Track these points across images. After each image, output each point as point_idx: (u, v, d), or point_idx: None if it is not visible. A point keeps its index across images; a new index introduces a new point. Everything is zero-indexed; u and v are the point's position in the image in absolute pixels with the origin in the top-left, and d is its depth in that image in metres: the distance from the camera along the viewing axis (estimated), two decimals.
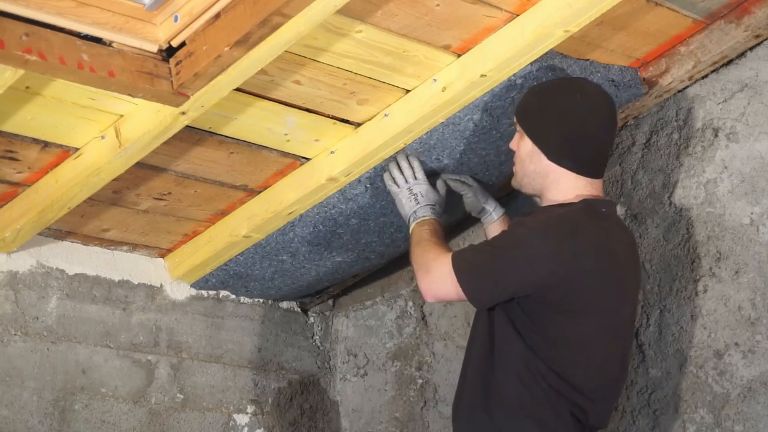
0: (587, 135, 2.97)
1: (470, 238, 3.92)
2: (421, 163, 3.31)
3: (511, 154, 3.41)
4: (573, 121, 2.97)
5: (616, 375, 2.97)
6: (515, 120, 3.07)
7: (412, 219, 3.22)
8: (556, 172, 2.99)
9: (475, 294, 2.91)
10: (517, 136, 3.07)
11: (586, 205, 2.95)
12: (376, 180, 3.44)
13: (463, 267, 2.91)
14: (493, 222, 3.38)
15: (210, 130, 3.24)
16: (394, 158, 3.33)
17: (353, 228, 3.63)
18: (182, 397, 3.81)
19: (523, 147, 3.03)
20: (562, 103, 2.99)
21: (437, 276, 2.94)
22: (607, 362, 2.93)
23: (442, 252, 2.99)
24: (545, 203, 3.02)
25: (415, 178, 3.28)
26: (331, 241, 3.68)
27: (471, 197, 3.38)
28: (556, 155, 2.98)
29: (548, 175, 3.00)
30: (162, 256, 3.84)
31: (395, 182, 3.30)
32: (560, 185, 2.99)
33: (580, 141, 2.97)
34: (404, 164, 3.30)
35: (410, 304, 4.08)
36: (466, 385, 3.03)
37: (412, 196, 3.25)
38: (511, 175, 3.55)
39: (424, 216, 3.20)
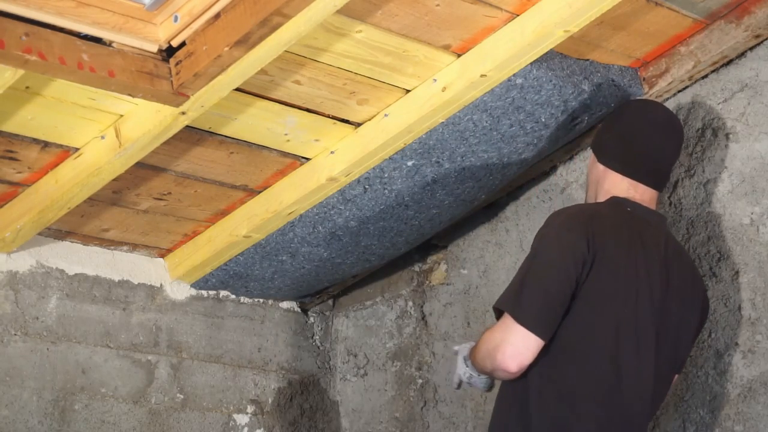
0: (633, 134, 3.04)
1: (469, 237, 3.93)
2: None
3: (513, 156, 3.43)
4: (623, 123, 3.07)
5: (642, 377, 2.87)
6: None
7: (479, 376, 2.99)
8: (606, 175, 3.04)
9: (535, 320, 2.73)
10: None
11: (613, 200, 2.98)
12: (375, 181, 3.44)
13: (509, 305, 2.76)
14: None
15: (210, 130, 3.24)
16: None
17: (352, 230, 3.63)
18: (182, 397, 3.81)
19: (589, 159, 3.13)
20: (618, 111, 3.14)
21: (502, 338, 2.76)
22: (624, 354, 2.84)
23: (490, 327, 2.85)
24: None
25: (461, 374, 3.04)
26: (331, 242, 3.68)
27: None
28: (606, 156, 3.05)
29: (602, 179, 3.05)
30: (162, 256, 3.84)
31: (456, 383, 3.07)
32: (608, 187, 3.02)
33: (626, 139, 3.04)
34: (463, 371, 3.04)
35: (410, 304, 4.08)
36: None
37: (468, 376, 3.00)
38: (513, 176, 3.58)
39: (466, 351, 3.00)
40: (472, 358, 2.94)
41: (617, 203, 2.98)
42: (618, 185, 3.01)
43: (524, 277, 2.80)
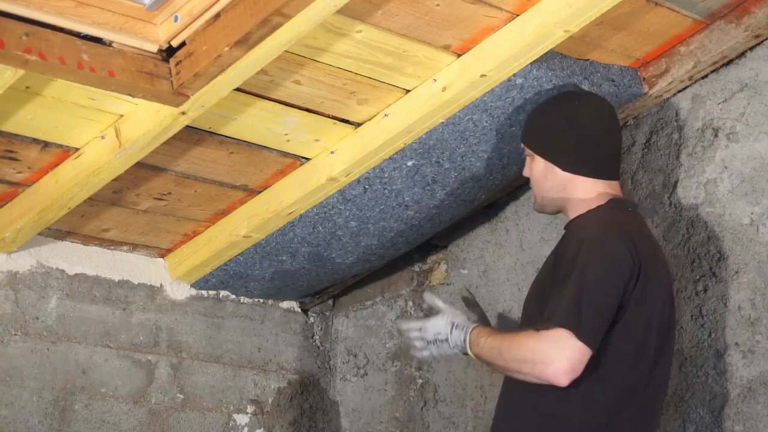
0: (594, 136, 2.99)
1: (469, 237, 3.92)
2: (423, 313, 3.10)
3: (513, 156, 3.43)
4: (578, 127, 2.99)
5: (653, 366, 2.91)
6: (522, 146, 3.07)
7: (463, 348, 2.94)
8: (573, 181, 2.98)
9: (593, 337, 2.72)
10: (527, 161, 3.06)
11: (615, 203, 2.95)
12: (375, 181, 3.44)
13: (571, 321, 2.72)
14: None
15: (210, 130, 3.24)
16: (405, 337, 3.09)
17: (352, 230, 3.63)
18: (182, 397, 3.81)
19: (536, 168, 3.03)
20: (563, 113, 3.01)
21: (557, 352, 2.71)
22: (646, 350, 2.87)
23: (533, 334, 2.77)
24: (572, 215, 2.99)
25: (420, 330, 3.02)
26: (331, 242, 3.68)
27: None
28: (570, 164, 2.98)
29: (565, 186, 2.99)
30: (162, 256, 3.84)
31: (422, 349, 3.03)
32: (580, 193, 2.98)
33: (589, 144, 2.98)
34: (411, 332, 3.05)
35: (410, 304, 4.08)
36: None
37: (445, 333, 2.97)
38: (513, 176, 3.57)
39: (466, 337, 2.93)
40: (481, 348, 2.88)
41: (621, 205, 2.95)
42: (593, 188, 2.97)
43: (580, 292, 2.75)
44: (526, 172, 3.07)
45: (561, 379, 2.72)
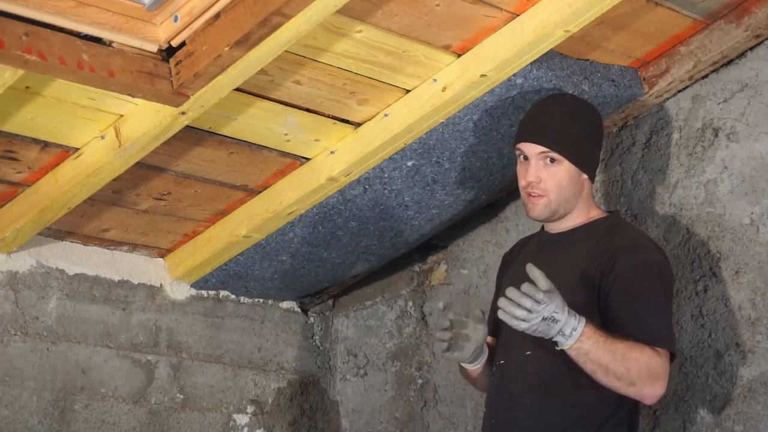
0: (601, 142, 3.09)
1: (469, 237, 3.92)
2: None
3: (513, 156, 3.41)
4: (599, 135, 3.06)
5: None
6: (542, 149, 2.92)
7: (568, 336, 2.73)
8: (587, 187, 3.02)
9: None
10: (538, 165, 2.93)
11: (620, 215, 3.15)
12: (375, 181, 3.44)
13: (672, 343, 2.88)
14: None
15: (210, 130, 3.24)
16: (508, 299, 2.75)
17: (352, 231, 3.63)
18: (182, 397, 3.81)
19: (564, 173, 2.93)
20: (595, 121, 3.04)
21: (664, 374, 2.83)
22: None
23: (650, 351, 2.80)
24: (577, 219, 3.00)
25: (539, 301, 2.69)
26: (331, 242, 3.68)
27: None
28: (593, 171, 3.03)
29: (582, 192, 3.01)
30: (162, 256, 3.83)
31: (521, 319, 2.71)
32: (588, 199, 3.03)
33: (599, 149, 3.08)
34: (525, 299, 2.70)
35: (410, 304, 4.08)
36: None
37: (549, 321, 2.71)
38: (513, 176, 3.56)
39: (577, 326, 2.73)
40: (594, 343, 2.74)
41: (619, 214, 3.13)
42: (592, 194, 3.06)
43: (668, 314, 2.90)
44: (533, 177, 2.93)
45: (654, 400, 2.84)
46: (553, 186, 2.94)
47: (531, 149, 2.94)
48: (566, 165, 2.94)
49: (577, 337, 2.72)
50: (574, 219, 2.99)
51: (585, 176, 2.99)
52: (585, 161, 2.98)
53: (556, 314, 2.69)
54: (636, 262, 2.86)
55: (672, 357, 2.86)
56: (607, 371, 2.75)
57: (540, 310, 2.68)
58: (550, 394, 2.86)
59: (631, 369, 2.76)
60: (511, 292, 2.70)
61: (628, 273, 2.84)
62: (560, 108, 3.00)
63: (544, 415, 2.87)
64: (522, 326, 2.70)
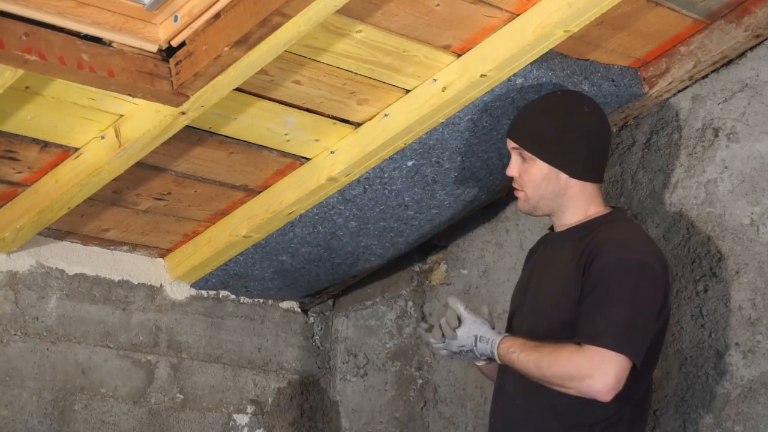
0: (602, 144, 2.99)
1: (469, 237, 3.92)
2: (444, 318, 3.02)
3: None
4: (590, 137, 2.96)
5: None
6: (515, 145, 2.97)
7: (491, 354, 2.92)
8: (576, 186, 2.96)
9: (641, 354, 2.78)
10: (517, 160, 2.97)
11: (622, 212, 3.00)
12: (375, 181, 3.44)
13: (622, 340, 2.75)
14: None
15: (210, 130, 3.24)
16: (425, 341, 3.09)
17: (352, 230, 3.63)
18: (182, 397, 3.81)
19: (536, 171, 2.95)
20: (576, 119, 2.96)
21: (606, 370, 2.74)
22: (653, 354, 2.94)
23: (579, 349, 2.77)
24: (570, 219, 2.98)
25: (453, 330, 2.97)
26: (331, 242, 3.68)
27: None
28: (580, 171, 2.95)
29: (567, 192, 2.96)
30: (162, 256, 3.83)
31: (447, 349, 3.00)
32: (580, 198, 2.96)
33: (600, 152, 2.98)
34: (435, 345, 3.01)
35: (410, 304, 4.08)
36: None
37: (469, 345, 2.95)
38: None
39: (493, 350, 2.90)
40: (513, 361, 2.87)
41: (625, 213, 2.98)
42: (593, 193, 2.98)
43: (633, 316, 2.78)
44: (512, 172, 2.99)
45: (607, 395, 2.76)
46: (528, 182, 2.97)
47: (509, 144, 3.00)
48: (539, 163, 2.95)
49: (498, 358, 2.90)
50: (571, 217, 2.98)
51: (564, 175, 2.95)
52: (561, 160, 2.94)
53: (463, 348, 2.96)
54: (611, 261, 2.83)
55: (634, 361, 2.75)
56: (538, 377, 2.83)
57: (447, 347, 2.98)
58: (532, 395, 2.88)
59: (550, 376, 2.80)
60: (425, 339, 3.02)
61: (599, 271, 2.83)
62: (542, 105, 3.00)
63: (530, 416, 2.90)
64: (443, 353, 3.01)
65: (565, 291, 2.87)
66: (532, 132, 2.96)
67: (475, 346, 2.93)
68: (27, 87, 2.88)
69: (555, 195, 2.96)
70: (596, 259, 2.84)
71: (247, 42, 2.68)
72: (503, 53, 3.02)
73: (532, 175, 2.96)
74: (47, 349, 3.55)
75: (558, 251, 2.96)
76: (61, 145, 3.16)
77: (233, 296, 3.98)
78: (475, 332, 2.95)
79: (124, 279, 3.74)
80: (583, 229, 2.95)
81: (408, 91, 3.21)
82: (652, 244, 2.92)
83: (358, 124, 3.33)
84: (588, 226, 2.96)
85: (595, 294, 2.81)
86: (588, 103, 3.00)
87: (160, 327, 3.79)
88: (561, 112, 2.97)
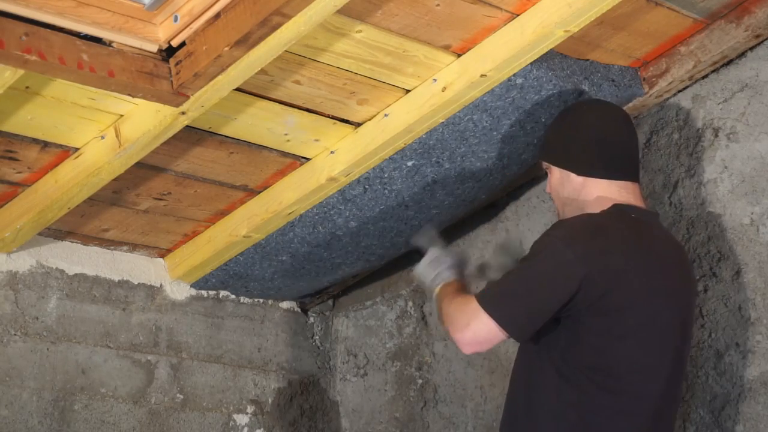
0: (604, 136, 2.98)
1: (469, 237, 3.92)
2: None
3: (513, 156, 3.43)
4: (587, 129, 2.98)
5: (665, 375, 2.90)
6: (543, 165, 3.07)
7: (434, 285, 3.09)
8: (587, 184, 2.97)
9: (513, 324, 2.79)
10: (548, 178, 3.06)
11: (616, 209, 2.93)
12: (375, 181, 3.44)
13: (491, 299, 2.80)
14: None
15: (210, 130, 3.24)
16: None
17: (352, 230, 3.63)
18: (182, 397, 3.81)
19: (554, 179, 3.02)
20: (571, 120, 3.02)
21: (467, 321, 2.81)
22: (652, 359, 2.87)
23: (467, 298, 2.88)
24: None
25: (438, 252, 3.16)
26: (331, 242, 3.68)
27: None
28: (583, 167, 2.97)
29: (581, 191, 2.97)
30: (162, 256, 3.84)
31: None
32: (595, 196, 2.96)
33: (600, 144, 2.98)
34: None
35: (410, 304, 4.08)
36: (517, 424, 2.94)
37: (433, 263, 3.12)
38: (513, 176, 3.58)
39: (445, 279, 3.06)
40: (440, 295, 3.02)
41: (621, 212, 2.93)
42: (606, 191, 2.96)
43: (514, 283, 2.85)
44: (547, 189, 3.07)
45: (464, 347, 2.85)
46: (552, 192, 3.05)
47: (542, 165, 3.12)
48: (553, 170, 3.03)
49: (437, 287, 3.04)
50: None
51: (573, 174, 2.97)
52: (565, 159, 2.99)
53: (438, 261, 3.10)
54: (536, 241, 2.91)
55: (500, 325, 2.78)
56: (439, 317, 2.96)
57: (438, 257, 3.12)
58: (509, 387, 2.98)
59: (443, 314, 2.93)
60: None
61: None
62: (554, 119, 3.11)
63: (506, 406, 2.99)
64: (418, 267, 3.15)
65: None
66: (543, 144, 3.09)
67: (445, 270, 3.08)
68: (27, 87, 2.88)
69: (573, 197, 2.99)
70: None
71: (247, 42, 2.68)
72: (503, 53, 3.02)
73: (553, 184, 3.03)
74: (47, 349, 3.55)
75: None
76: (61, 145, 3.16)
77: (233, 296, 3.98)
78: (453, 262, 3.12)
79: (124, 279, 3.74)
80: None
81: (408, 91, 3.21)
82: (588, 233, 2.85)
83: (358, 124, 3.33)
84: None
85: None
86: (589, 104, 3.08)
87: (160, 327, 3.79)
88: (562, 116, 3.06)
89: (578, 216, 2.94)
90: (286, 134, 3.31)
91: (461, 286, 3.03)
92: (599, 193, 2.96)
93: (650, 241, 2.94)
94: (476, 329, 2.80)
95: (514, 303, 2.80)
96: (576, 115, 3.03)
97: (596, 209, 2.94)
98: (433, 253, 3.15)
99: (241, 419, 3.94)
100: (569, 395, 2.82)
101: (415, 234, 3.35)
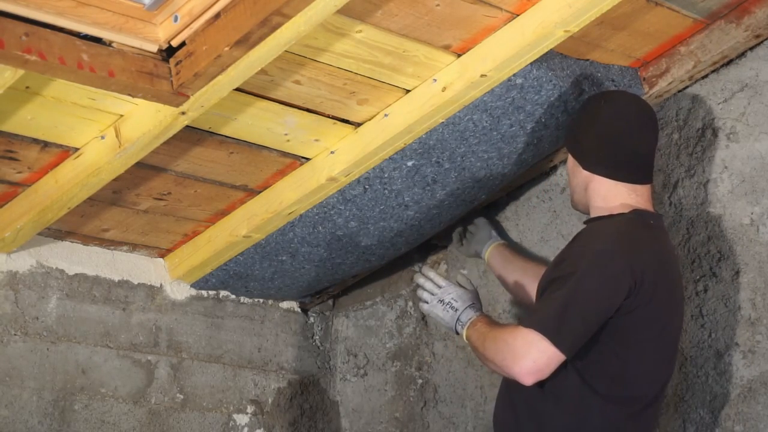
0: (615, 136, 2.97)
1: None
2: (444, 274, 3.26)
3: (513, 156, 3.43)
4: (599, 124, 2.98)
5: (664, 381, 2.96)
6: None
7: (459, 327, 3.00)
8: (594, 181, 2.98)
9: (573, 346, 2.76)
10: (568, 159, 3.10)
11: (638, 216, 2.92)
12: (375, 181, 3.44)
13: (547, 325, 2.75)
14: (497, 244, 3.48)
15: (210, 130, 3.24)
16: (416, 283, 3.18)
17: (352, 230, 3.63)
18: (182, 397, 3.81)
19: (569, 163, 3.06)
20: (590, 111, 3.03)
21: (523, 352, 2.75)
22: (660, 367, 2.92)
23: (513, 329, 2.81)
24: (593, 214, 3.00)
25: (439, 287, 3.09)
26: (331, 242, 3.68)
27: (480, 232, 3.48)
28: (590, 162, 2.98)
29: (587, 186, 2.99)
30: (162, 256, 3.84)
31: (424, 301, 3.10)
32: (601, 194, 2.97)
33: (609, 143, 2.97)
34: (422, 281, 3.13)
35: (410, 304, 4.08)
36: (516, 418, 2.94)
37: (446, 306, 3.04)
38: (513, 176, 3.58)
39: (470, 318, 2.99)
40: (473, 336, 2.94)
41: (643, 219, 2.92)
42: (615, 191, 2.96)
43: (568, 302, 2.78)
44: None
45: (525, 378, 2.77)
46: (568, 176, 3.09)
47: None
48: (569, 156, 3.07)
49: (467, 326, 2.96)
50: (594, 213, 3.01)
51: (583, 170, 2.99)
52: (576, 150, 3.03)
53: (454, 302, 3.01)
54: (576, 247, 2.88)
55: (559, 349, 2.75)
56: (481, 356, 2.88)
57: (439, 292, 3.05)
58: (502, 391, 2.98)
59: (487, 350, 2.84)
60: (424, 271, 3.12)
61: (564, 257, 2.89)
62: (581, 104, 3.15)
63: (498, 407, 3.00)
64: (423, 307, 3.08)
65: (544, 281, 2.92)
66: (566, 126, 3.16)
67: (464, 310, 3.00)
68: (27, 87, 2.88)
69: (580, 188, 3.02)
70: (561, 253, 2.91)
71: (247, 42, 2.68)
72: (503, 53, 3.02)
73: (568, 167, 3.08)
74: (47, 349, 3.55)
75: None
76: (61, 145, 3.16)
77: (233, 296, 3.98)
78: (473, 301, 3.04)
79: (124, 279, 3.74)
80: (587, 226, 2.98)
81: (408, 91, 3.21)
82: (625, 242, 2.86)
83: (358, 124, 3.33)
84: (588, 224, 2.98)
85: (551, 278, 2.86)
86: (611, 97, 3.07)
87: (160, 327, 3.79)
88: (585, 105, 3.09)
89: (604, 224, 2.92)
90: (286, 134, 3.31)
91: (490, 320, 2.97)
92: (606, 192, 2.97)
93: (666, 251, 2.98)
94: (536, 358, 2.75)
95: (571, 325, 2.76)
96: (596, 107, 3.03)
97: (602, 207, 2.97)
98: (444, 293, 3.07)
99: (241, 419, 3.94)
100: (591, 401, 2.82)
101: (469, 228, 3.52)
